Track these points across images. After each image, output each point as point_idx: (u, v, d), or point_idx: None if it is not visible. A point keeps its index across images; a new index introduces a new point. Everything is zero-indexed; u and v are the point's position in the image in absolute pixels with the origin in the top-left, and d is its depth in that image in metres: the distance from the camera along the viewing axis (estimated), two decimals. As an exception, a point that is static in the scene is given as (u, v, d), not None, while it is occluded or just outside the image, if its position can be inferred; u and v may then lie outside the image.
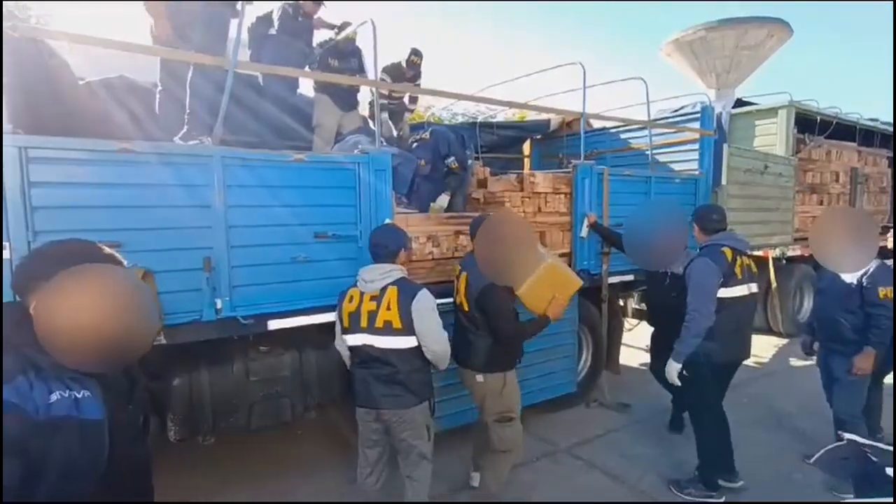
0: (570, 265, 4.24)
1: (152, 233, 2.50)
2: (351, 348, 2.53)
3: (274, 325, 2.88)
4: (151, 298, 1.23)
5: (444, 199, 4.48)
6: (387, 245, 2.52)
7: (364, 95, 5.05)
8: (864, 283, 3.09)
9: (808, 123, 6.70)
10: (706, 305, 2.96)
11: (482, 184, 4.39)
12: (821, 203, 7.12)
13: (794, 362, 5.87)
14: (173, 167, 2.55)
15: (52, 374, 1.11)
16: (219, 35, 3.52)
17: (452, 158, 4.47)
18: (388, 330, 2.38)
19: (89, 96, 3.56)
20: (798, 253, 6.53)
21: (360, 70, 4.52)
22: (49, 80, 2.95)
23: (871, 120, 7.97)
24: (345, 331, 2.53)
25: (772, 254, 6.07)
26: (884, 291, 3.04)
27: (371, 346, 2.42)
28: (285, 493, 3.24)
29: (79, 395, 1.13)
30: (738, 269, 3.06)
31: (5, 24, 2.26)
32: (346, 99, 4.58)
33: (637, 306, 5.93)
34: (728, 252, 3.05)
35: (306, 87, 4.90)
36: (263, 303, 2.84)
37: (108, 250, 1.30)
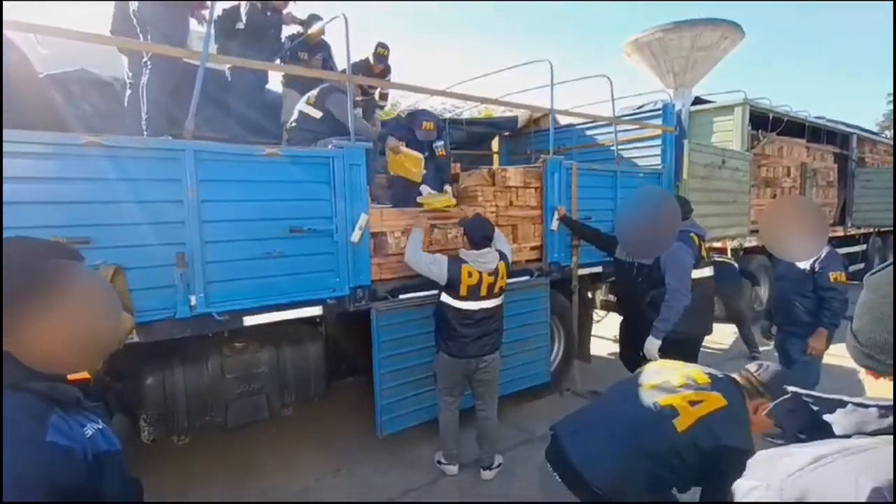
0: (541, 257, 4.34)
1: (123, 228, 2.44)
2: (461, 311, 3.11)
3: (250, 321, 2.86)
4: (109, 287, 1.10)
5: (449, 191, 4.13)
6: (489, 235, 3.19)
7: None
8: (817, 269, 3.29)
9: (761, 120, 7.02)
10: (686, 285, 3.16)
11: (454, 179, 4.43)
12: (774, 196, 7.46)
13: (757, 349, 6.16)
14: (144, 161, 2.50)
15: (72, 406, 0.98)
16: (178, 30, 3.44)
17: (441, 143, 4.14)
18: (499, 293, 3.21)
19: (48, 90, 3.43)
20: (754, 244, 6.85)
21: (329, 65, 4.50)
22: (7, 74, 2.84)
23: (818, 118, 8.42)
24: (462, 298, 3.10)
25: (730, 244, 6.34)
26: (834, 275, 3.24)
27: (486, 308, 3.16)
28: (266, 492, 3.21)
29: (100, 426, 1.02)
30: (703, 253, 3.31)
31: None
32: None
33: (605, 298, 6.09)
34: (695, 237, 3.28)
35: (275, 83, 4.85)
36: (238, 299, 2.81)
37: (52, 240, 1.15)
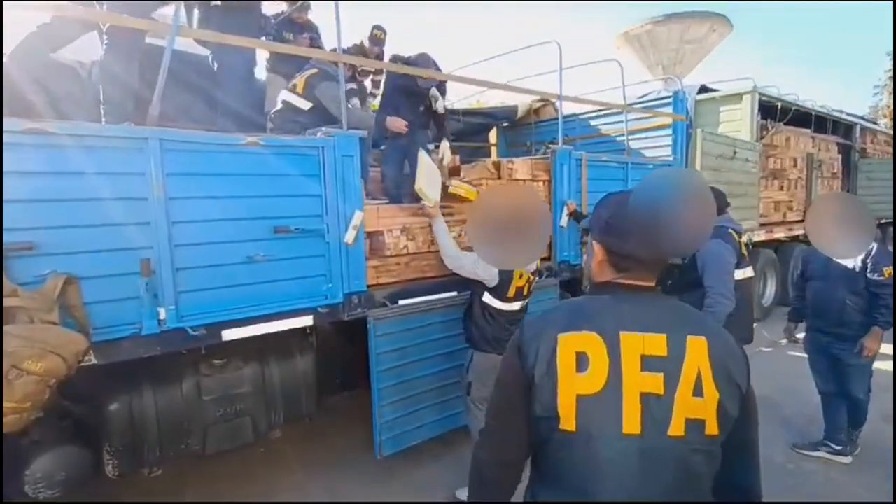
0: (550, 256, 4.03)
1: (75, 231, 2.07)
2: (505, 312, 2.88)
3: (230, 334, 2.49)
4: None
5: (446, 146, 3.96)
6: None
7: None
8: (869, 265, 3.04)
9: (768, 110, 6.75)
10: (730, 288, 2.87)
11: (455, 171, 4.09)
12: (781, 188, 7.22)
13: (763, 347, 5.91)
14: (100, 152, 2.12)
15: None
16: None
17: (441, 101, 3.91)
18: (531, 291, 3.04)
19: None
20: (763, 238, 6.60)
21: (317, 47, 4.11)
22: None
23: (821, 107, 8.19)
24: (508, 300, 2.87)
25: (742, 239, 6.06)
26: (888, 271, 3.00)
27: (523, 307, 2.98)
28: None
29: None
30: (744, 251, 3.04)
31: None
32: None
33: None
34: (734, 234, 3.01)
35: (260, 70, 4.44)
36: (216, 310, 2.44)
37: None
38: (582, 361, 0.98)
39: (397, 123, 3.82)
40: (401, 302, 3.11)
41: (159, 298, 2.26)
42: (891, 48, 34.85)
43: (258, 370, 2.81)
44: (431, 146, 4.18)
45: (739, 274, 3.06)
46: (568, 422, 0.98)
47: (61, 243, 2.03)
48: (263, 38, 3.66)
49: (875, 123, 11.97)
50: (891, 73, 33.96)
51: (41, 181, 2.01)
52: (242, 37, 2.88)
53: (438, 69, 3.83)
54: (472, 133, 6.70)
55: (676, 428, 0.96)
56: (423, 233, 3.28)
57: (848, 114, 9.15)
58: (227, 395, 2.69)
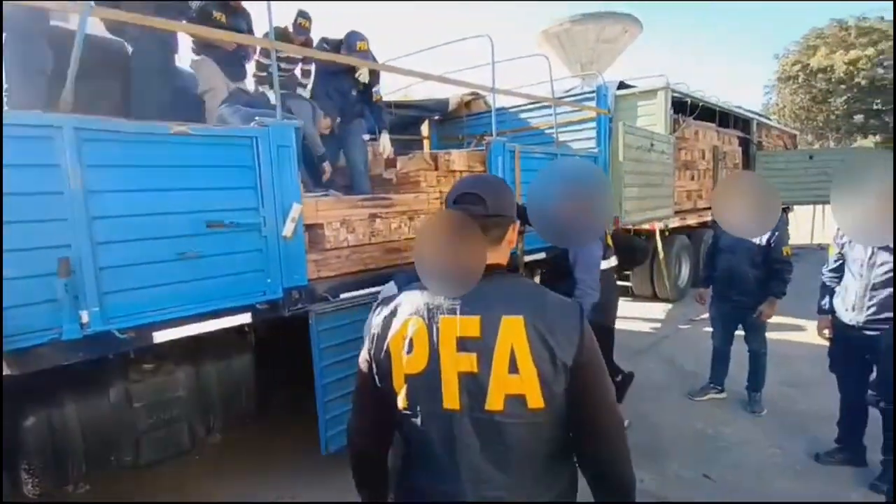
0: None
1: (-22, 229, 1.86)
2: None
3: (161, 336, 2.35)
4: None
5: (386, 139, 4.04)
6: None
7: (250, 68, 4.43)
8: (773, 242, 3.49)
9: (679, 105, 7.27)
10: (596, 280, 3.11)
11: (391, 163, 4.08)
12: (693, 178, 7.81)
13: (681, 325, 6.40)
14: (4, 142, 1.92)
15: None
16: None
17: (378, 87, 3.93)
18: None
19: None
20: (677, 225, 7.12)
21: (249, 33, 3.92)
22: None
23: (724, 104, 8.93)
24: None
25: (658, 226, 6.51)
26: (786, 249, 3.46)
27: None
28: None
29: None
30: (609, 242, 3.36)
31: None
32: (236, 68, 3.97)
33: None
34: None
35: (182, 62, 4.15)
36: (146, 310, 2.29)
37: None
38: (409, 344, 1.07)
39: (323, 124, 3.79)
40: (343, 295, 3.06)
41: (81, 300, 2.08)
42: (778, 51, 38.41)
43: (193, 373, 2.67)
44: (367, 137, 4.14)
45: (605, 264, 3.35)
46: (403, 400, 1.09)
47: (-38, 243, 1.83)
48: (185, 22, 3.43)
49: (769, 120, 13.23)
50: (779, 75, 37.52)
51: (-66, 174, 1.80)
52: (161, 19, 2.70)
53: (371, 52, 3.83)
54: (403, 126, 6.68)
55: (495, 403, 1.01)
56: (363, 225, 3.25)
57: (746, 110, 10.05)
58: (159, 401, 2.53)
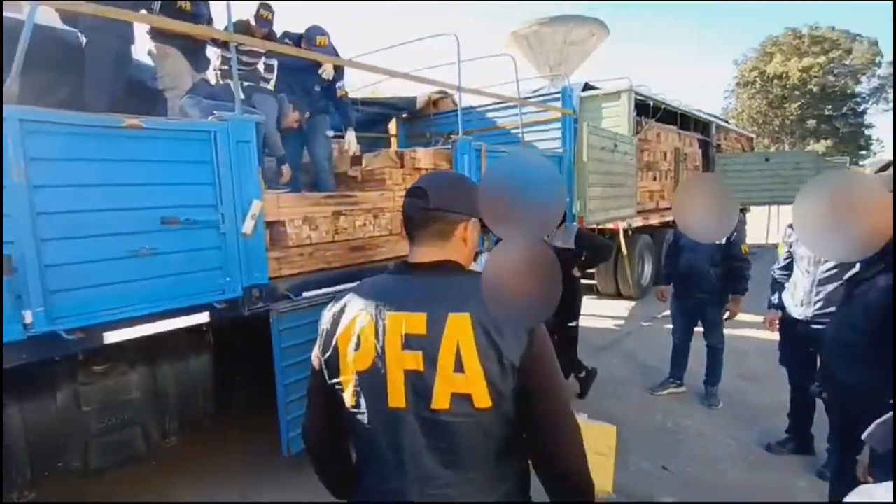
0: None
1: None
2: None
3: (113, 337, 2.27)
4: None
5: (352, 136, 4.01)
6: None
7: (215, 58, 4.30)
8: (733, 240, 3.63)
9: (642, 107, 7.45)
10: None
11: (356, 160, 4.04)
12: (654, 179, 8.02)
13: (644, 322, 6.56)
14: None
15: None
16: None
17: (342, 83, 3.89)
18: None
19: None
20: (640, 224, 7.29)
21: (209, 22, 3.80)
22: None
23: (685, 107, 9.20)
24: None
25: (622, 225, 6.65)
26: (744, 247, 3.63)
27: None
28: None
29: None
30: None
31: None
32: (199, 56, 3.86)
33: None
34: None
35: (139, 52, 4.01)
36: (96, 310, 2.21)
37: None
38: (356, 341, 1.05)
39: (292, 117, 3.77)
40: (305, 294, 3.02)
41: (24, 300, 1.99)
42: (737, 57, 39.68)
43: (149, 374, 2.59)
44: (332, 133, 4.09)
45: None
46: (350, 398, 1.06)
47: None
48: (143, 12, 3.30)
49: (728, 123, 13.68)
50: (738, 80, 38.88)
51: None
52: (116, 9, 2.60)
53: (334, 47, 3.80)
54: (370, 123, 6.63)
55: (440, 402, 0.99)
56: (327, 222, 3.21)
57: (706, 113, 10.37)
58: (111, 403, 2.44)
